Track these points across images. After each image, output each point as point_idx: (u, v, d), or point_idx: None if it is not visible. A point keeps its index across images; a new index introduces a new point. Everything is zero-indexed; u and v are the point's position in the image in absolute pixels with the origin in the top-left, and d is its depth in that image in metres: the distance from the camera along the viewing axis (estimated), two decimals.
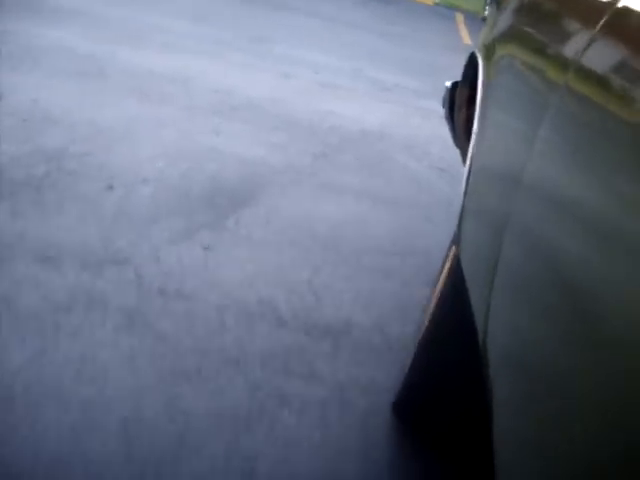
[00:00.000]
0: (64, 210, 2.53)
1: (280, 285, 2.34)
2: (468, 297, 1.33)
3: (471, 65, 1.97)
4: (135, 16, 6.26)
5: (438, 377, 1.69)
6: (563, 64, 1.03)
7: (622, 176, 0.71)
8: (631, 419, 0.59)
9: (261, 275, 2.38)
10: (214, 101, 4.32)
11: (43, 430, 1.56)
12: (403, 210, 3.25)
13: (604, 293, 0.69)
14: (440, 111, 2.79)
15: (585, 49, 0.95)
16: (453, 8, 12.52)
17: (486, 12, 9.46)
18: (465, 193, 1.57)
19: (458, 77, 2.18)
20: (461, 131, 2.11)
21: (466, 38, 9.50)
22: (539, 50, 1.26)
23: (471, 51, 2.01)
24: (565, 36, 1.13)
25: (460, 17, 11.71)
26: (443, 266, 1.73)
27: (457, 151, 2.27)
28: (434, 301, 1.71)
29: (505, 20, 1.66)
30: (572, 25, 1.14)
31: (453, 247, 1.65)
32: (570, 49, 1.03)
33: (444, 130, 2.32)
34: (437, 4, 12.70)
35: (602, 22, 0.94)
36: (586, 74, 0.93)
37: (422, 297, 2.31)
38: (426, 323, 1.72)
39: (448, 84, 2.26)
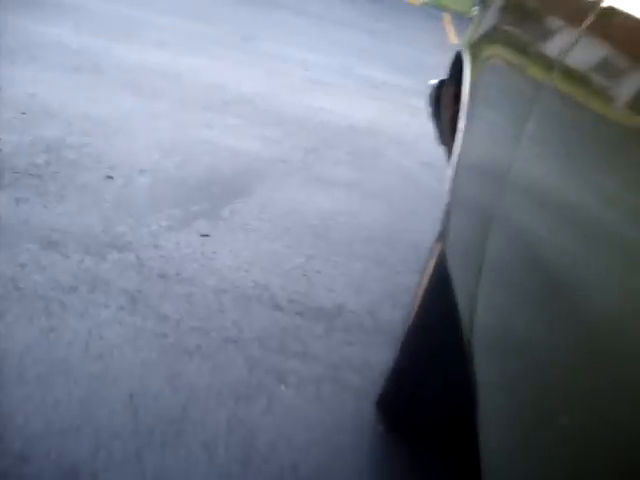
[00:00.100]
0: (66, 198, 2.61)
1: (275, 271, 2.43)
2: (453, 294, 1.34)
3: (457, 64, 1.97)
4: (127, 12, 6.32)
5: (422, 378, 1.71)
6: (548, 63, 1.04)
7: (606, 173, 0.72)
8: (616, 414, 0.60)
9: (256, 261, 2.47)
10: (206, 96, 4.40)
11: (54, 402, 1.65)
12: (392, 202, 3.35)
13: (588, 288, 0.70)
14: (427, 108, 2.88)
15: (570, 48, 0.96)
16: (440, 8, 12.63)
17: (474, 12, 9.54)
18: (450, 190, 1.58)
19: (445, 75, 2.25)
20: (446, 129, 2.11)
21: (453, 37, 9.62)
22: (524, 49, 1.26)
23: (457, 50, 2.03)
24: (550, 35, 1.14)
25: (447, 17, 11.82)
26: (427, 264, 1.76)
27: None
28: (418, 300, 1.73)
29: (491, 19, 1.67)
30: (557, 25, 1.15)
31: (438, 245, 1.67)
32: (555, 48, 1.04)
33: (431, 127, 2.42)
34: (425, 4, 12.81)
35: (587, 22, 0.94)
36: (571, 73, 0.93)
37: (411, 283, 2.41)
38: (410, 323, 1.73)
39: (433, 82, 2.26)
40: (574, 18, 1.01)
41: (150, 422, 1.64)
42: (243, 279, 2.34)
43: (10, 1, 5.53)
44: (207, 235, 2.58)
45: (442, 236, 1.61)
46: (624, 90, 0.75)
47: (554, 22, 1.18)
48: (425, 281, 1.72)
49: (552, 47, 1.08)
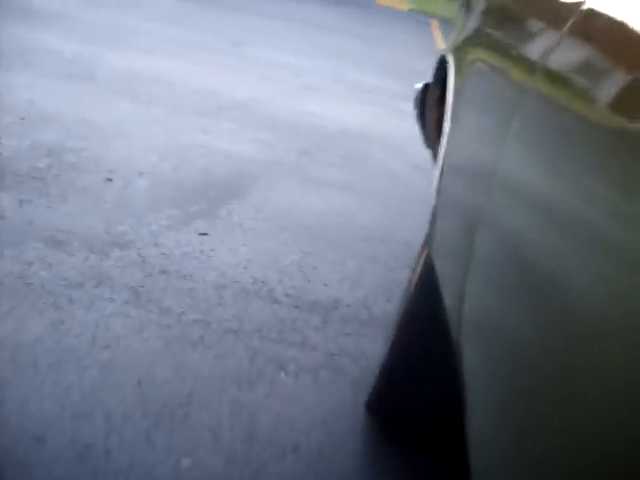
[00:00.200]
0: (68, 199, 2.69)
1: (272, 267, 2.52)
2: (441, 295, 1.34)
3: (441, 67, 1.98)
4: (116, 19, 6.41)
5: (411, 379, 1.72)
6: (531, 66, 1.04)
7: (588, 174, 0.73)
8: (604, 413, 0.60)
9: (254, 258, 2.56)
10: (200, 101, 4.49)
11: (66, 389, 1.73)
12: (383, 203, 3.44)
13: (574, 288, 0.70)
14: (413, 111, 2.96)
15: (552, 51, 0.96)
16: (428, 14, 12.76)
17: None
18: (437, 193, 1.58)
19: (430, 79, 2.26)
20: (432, 132, 2.11)
21: (441, 43, 9.74)
22: (507, 52, 1.27)
23: (441, 54, 2.05)
24: (532, 38, 1.14)
25: (435, 23, 11.95)
26: (415, 265, 1.77)
27: None
28: (406, 302, 1.74)
29: (474, 22, 1.67)
30: (539, 27, 1.15)
31: (425, 248, 1.67)
32: (537, 51, 1.05)
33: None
34: (411, 10, 12.94)
35: (568, 24, 0.95)
36: (553, 75, 0.94)
37: (403, 279, 2.50)
38: (398, 324, 1.75)
39: (419, 86, 2.27)
40: (556, 21, 1.03)
41: (158, 406, 1.72)
42: (242, 275, 2.42)
43: (2, 9, 5.61)
44: (205, 234, 2.66)
45: (429, 238, 1.62)
46: (605, 91, 0.76)
47: (536, 25, 1.19)
48: (412, 284, 1.73)
49: (534, 50, 1.09)
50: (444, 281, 1.35)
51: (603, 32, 0.87)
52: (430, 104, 2.13)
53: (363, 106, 5.38)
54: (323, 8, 10.47)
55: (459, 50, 1.72)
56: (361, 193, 3.49)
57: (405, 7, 12.95)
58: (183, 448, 1.61)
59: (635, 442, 0.55)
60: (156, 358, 1.90)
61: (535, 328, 0.79)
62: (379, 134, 4.67)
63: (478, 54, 1.51)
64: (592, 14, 0.90)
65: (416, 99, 2.29)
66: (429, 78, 2.31)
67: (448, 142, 1.55)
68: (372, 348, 2.12)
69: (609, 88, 0.75)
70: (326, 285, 2.47)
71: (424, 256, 1.66)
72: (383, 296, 2.47)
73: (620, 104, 0.71)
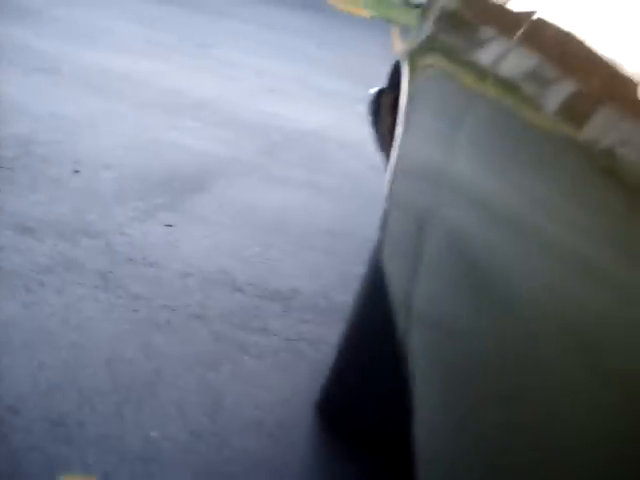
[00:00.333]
0: (37, 189, 2.77)
1: (235, 258, 2.63)
2: (390, 298, 1.37)
3: (396, 73, 1.97)
4: (84, 17, 6.45)
5: (361, 382, 1.74)
6: (482, 73, 1.06)
7: (533, 178, 0.75)
8: (548, 411, 0.61)
9: (217, 249, 2.66)
10: (165, 99, 4.57)
11: (38, 365, 1.81)
12: (342, 201, 3.56)
13: (518, 286, 0.71)
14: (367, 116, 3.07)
15: (502, 59, 0.98)
16: (389, 21, 12.94)
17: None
18: (387, 196, 1.59)
19: (384, 84, 2.28)
20: (385, 136, 2.11)
21: (400, 49, 9.90)
22: (459, 59, 1.30)
23: (396, 59, 2.04)
24: (484, 46, 1.17)
25: (396, 30, 12.14)
26: (366, 273, 1.79)
27: None
28: (355, 306, 1.77)
29: (427, 29, 1.69)
30: (491, 36, 1.18)
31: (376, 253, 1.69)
32: (488, 58, 1.07)
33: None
34: (373, 17, 13.12)
35: (519, 33, 0.97)
36: (503, 83, 0.96)
37: (360, 272, 2.62)
38: (347, 328, 1.78)
39: (373, 91, 2.28)
40: (506, 29, 1.06)
41: (127, 383, 1.82)
42: (206, 265, 2.52)
43: None
44: (170, 225, 2.75)
45: (379, 242, 1.63)
46: (553, 100, 0.78)
47: (488, 33, 1.22)
48: (363, 288, 1.76)
49: (486, 57, 1.11)
50: (394, 284, 1.36)
51: (553, 42, 0.89)
52: (384, 109, 2.14)
53: (324, 108, 5.50)
54: (289, 12, 10.58)
55: (413, 56, 1.74)
56: (321, 191, 3.60)
57: (367, 14, 13.12)
58: (151, 421, 1.71)
59: (578, 431, 0.56)
60: (124, 339, 1.99)
61: (481, 327, 0.80)
62: (338, 135, 4.80)
63: (431, 60, 1.54)
64: (542, 24, 0.92)
65: (370, 104, 2.29)
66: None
67: (400, 146, 1.57)
68: (330, 334, 2.23)
69: (556, 96, 0.77)
70: (286, 276, 2.58)
71: (374, 260, 1.70)
72: (340, 287, 2.59)
73: (566, 112, 0.73)
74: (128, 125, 3.86)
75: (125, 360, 1.90)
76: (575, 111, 0.71)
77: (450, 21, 1.51)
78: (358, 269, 2.75)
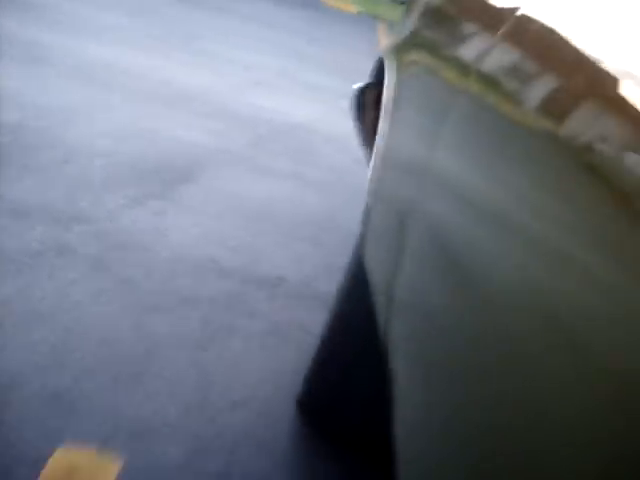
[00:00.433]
0: (28, 176, 2.82)
1: (222, 245, 2.69)
2: (371, 294, 1.37)
3: (380, 68, 1.99)
4: (77, 9, 6.48)
5: (341, 379, 1.75)
6: (465, 69, 1.07)
7: (517, 173, 0.76)
8: (531, 412, 0.61)
9: (205, 237, 2.73)
10: (153, 90, 4.62)
11: (33, 345, 1.88)
12: (328, 193, 3.64)
13: (503, 283, 0.71)
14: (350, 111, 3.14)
15: (486, 55, 0.99)
16: (376, 17, 13.01)
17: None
18: (370, 192, 1.60)
19: (368, 80, 2.32)
20: (368, 132, 2.13)
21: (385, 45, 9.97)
22: (443, 55, 1.29)
23: (379, 55, 2.06)
24: (468, 42, 1.16)
25: (382, 26, 12.21)
26: (347, 269, 1.78)
27: None
28: (336, 302, 1.77)
29: (411, 24, 1.69)
30: (474, 32, 1.17)
31: (358, 249, 1.69)
32: (472, 54, 1.08)
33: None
34: (360, 13, 13.18)
35: (503, 29, 0.97)
36: (486, 78, 0.96)
37: (344, 262, 2.69)
38: (328, 324, 1.78)
39: (356, 87, 2.27)
40: (490, 25, 1.05)
41: (119, 362, 1.88)
42: (194, 251, 2.59)
43: None
44: (159, 213, 2.82)
45: (361, 238, 1.63)
46: (536, 95, 0.78)
47: (471, 29, 1.21)
48: (344, 284, 1.76)
49: (469, 53, 1.11)
50: (375, 279, 1.37)
51: (536, 38, 0.88)
52: (368, 104, 2.15)
53: (310, 102, 5.56)
54: (276, 7, 10.63)
55: (397, 51, 1.74)
56: (306, 183, 3.67)
57: (354, 9, 13.18)
58: (144, 396, 1.78)
59: (561, 429, 0.56)
60: (116, 321, 2.06)
61: (462, 322, 0.80)
62: (324, 129, 4.87)
63: (415, 56, 1.53)
64: (526, 20, 0.92)
65: (354, 99, 2.29)
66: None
67: (383, 142, 1.57)
68: (314, 320, 2.31)
69: (540, 92, 0.78)
70: (272, 264, 2.66)
71: (356, 255, 1.71)
72: (325, 276, 2.66)
73: (549, 108, 0.73)
74: (120, 115, 3.91)
75: (117, 340, 1.97)
76: (558, 107, 0.72)
77: (434, 16, 1.51)
78: (342, 260, 2.82)
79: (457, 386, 0.79)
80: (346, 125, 5.10)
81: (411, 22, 1.70)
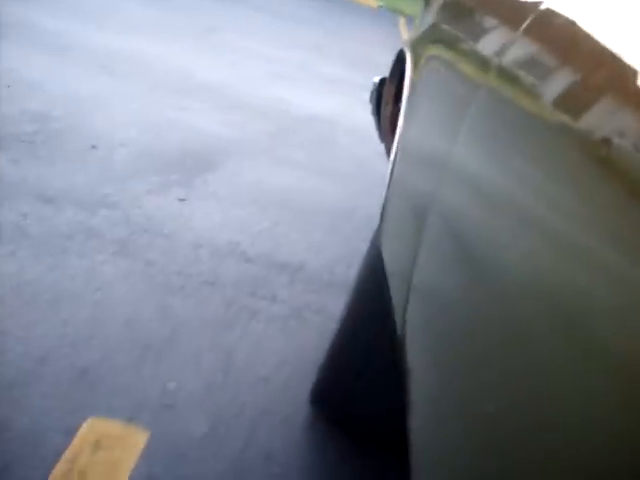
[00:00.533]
0: (56, 162, 2.90)
1: (244, 231, 2.76)
2: (387, 288, 1.35)
3: (399, 62, 1.98)
4: None
5: (355, 373, 1.74)
6: (486, 63, 1.05)
7: (533, 166, 0.76)
8: (541, 399, 0.61)
9: (228, 223, 2.80)
10: (174, 81, 4.69)
11: (63, 322, 1.95)
12: (347, 183, 3.69)
13: (520, 277, 0.70)
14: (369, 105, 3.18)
15: (508, 49, 0.97)
16: (396, 11, 13.04)
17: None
18: (388, 186, 1.58)
19: (387, 74, 2.33)
20: (386, 126, 2.13)
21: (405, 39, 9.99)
22: (463, 49, 1.28)
23: (399, 48, 2.05)
24: (489, 36, 1.15)
25: (402, 20, 12.24)
26: (363, 262, 1.78)
27: None
28: (352, 295, 1.76)
29: (431, 18, 1.68)
30: (496, 26, 1.16)
31: (374, 242, 1.68)
32: (493, 49, 1.06)
33: None
34: (381, 7, 13.21)
35: (526, 24, 0.96)
36: (507, 73, 0.95)
37: (363, 249, 2.75)
38: (343, 318, 1.77)
39: (376, 80, 2.27)
40: (512, 19, 1.04)
41: (145, 340, 1.95)
42: (217, 237, 2.66)
43: None
44: (184, 199, 2.89)
45: (378, 231, 1.63)
46: (554, 88, 0.78)
47: (493, 23, 1.19)
48: (360, 277, 1.75)
49: (489, 47, 1.09)
50: (392, 272, 1.36)
51: (559, 32, 0.87)
52: (386, 98, 2.14)
53: (329, 95, 5.62)
54: (298, 1, 10.68)
55: (417, 45, 1.73)
56: (327, 173, 3.73)
57: (375, 4, 13.21)
58: (169, 373, 1.85)
59: (570, 416, 0.56)
60: (142, 301, 2.13)
61: (482, 316, 0.79)
62: (344, 121, 4.92)
63: (435, 50, 1.52)
64: (550, 14, 0.91)
65: (372, 93, 2.30)
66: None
67: (402, 135, 1.55)
68: (334, 304, 2.37)
69: (559, 86, 0.77)
70: (293, 250, 2.72)
71: (373, 249, 1.70)
72: (344, 262, 2.72)
73: (567, 102, 0.73)
74: (139, 104, 3.98)
75: (143, 320, 2.04)
76: (577, 101, 0.71)
77: (453, 10, 1.51)
78: (361, 247, 2.88)
79: (472, 378, 0.79)
80: (367, 117, 5.15)
81: (430, 16, 1.70)
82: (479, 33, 1.22)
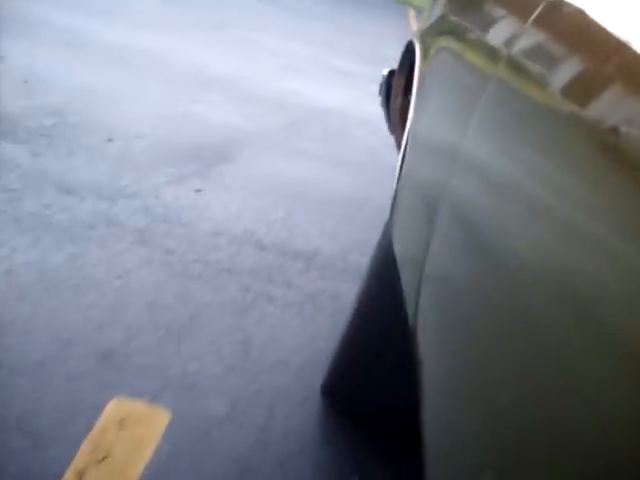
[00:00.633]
0: (75, 154, 2.96)
1: (260, 221, 2.82)
2: (399, 280, 1.35)
3: (408, 53, 1.99)
4: None
5: (367, 365, 1.74)
6: (495, 54, 1.05)
7: (542, 155, 0.76)
8: (552, 394, 0.61)
9: (244, 213, 2.86)
10: (188, 75, 4.75)
11: (87, 307, 2.02)
12: (360, 174, 3.75)
13: (530, 265, 0.70)
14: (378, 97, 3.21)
15: (517, 39, 0.97)
16: (406, 4, 13.06)
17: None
18: (399, 178, 1.59)
19: (396, 65, 2.32)
20: (396, 118, 2.15)
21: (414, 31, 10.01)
22: (472, 40, 1.29)
23: (409, 40, 2.06)
24: (498, 27, 1.15)
25: (412, 12, 12.26)
26: (374, 254, 1.78)
27: None
28: (363, 287, 1.76)
29: (440, 9, 1.68)
30: (505, 17, 1.15)
31: (385, 234, 1.69)
32: (501, 39, 1.06)
33: None
34: None
35: (535, 14, 0.95)
36: (517, 64, 0.95)
37: (376, 238, 2.80)
38: (355, 309, 1.78)
39: (385, 72, 2.28)
40: (521, 9, 1.03)
41: (167, 323, 2.02)
42: (233, 226, 2.72)
43: None
44: (200, 190, 2.95)
45: (389, 223, 1.63)
46: (563, 77, 0.77)
47: (501, 13, 1.19)
48: (371, 269, 1.75)
49: (498, 38, 1.09)
50: (403, 264, 1.37)
51: (568, 21, 0.87)
52: (395, 90, 2.15)
53: (341, 88, 5.67)
54: None
55: (426, 37, 1.73)
56: (340, 164, 3.79)
57: None
58: (190, 355, 1.91)
59: (581, 403, 0.57)
60: (162, 287, 2.19)
61: (493, 306, 0.79)
62: (356, 114, 4.97)
63: (444, 41, 1.52)
64: (559, 4, 0.90)
65: (382, 85, 2.30)
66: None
67: (412, 127, 1.55)
68: (347, 291, 2.43)
69: (567, 75, 0.77)
70: (307, 238, 2.78)
71: (384, 241, 1.70)
72: (357, 250, 2.78)
73: (576, 90, 0.73)
74: (154, 97, 4.05)
75: (164, 305, 2.10)
76: (585, 89, 0.71)
77: (462, 1, 1.51)
78: (374, 235, 2.94)
79: (483, 368, 0.79)
80: (378, 109, 5.20)
81: (439, 7, 1.71)
82: (488, 24, 1.22)
